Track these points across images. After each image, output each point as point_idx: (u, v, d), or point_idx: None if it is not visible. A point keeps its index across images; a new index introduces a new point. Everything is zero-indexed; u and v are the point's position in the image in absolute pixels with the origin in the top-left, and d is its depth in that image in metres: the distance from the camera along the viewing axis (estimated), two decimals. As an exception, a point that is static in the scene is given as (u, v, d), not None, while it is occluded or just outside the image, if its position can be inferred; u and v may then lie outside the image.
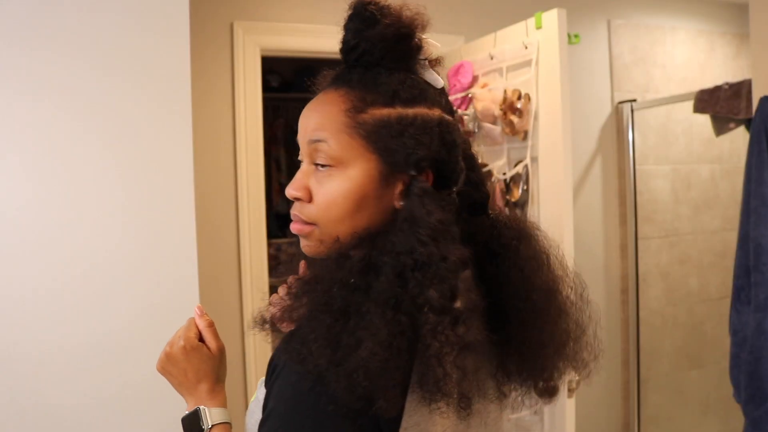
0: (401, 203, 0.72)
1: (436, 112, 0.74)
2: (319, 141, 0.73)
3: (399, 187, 0.73)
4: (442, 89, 0.78)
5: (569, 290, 0.79)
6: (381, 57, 0.73)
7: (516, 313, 0.74)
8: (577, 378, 0.80)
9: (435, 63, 0.78)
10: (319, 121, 0.73)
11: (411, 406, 0.66)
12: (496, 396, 0.76)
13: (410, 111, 0.72)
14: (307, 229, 0.75)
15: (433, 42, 0.76)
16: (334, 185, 0.72)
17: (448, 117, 0.75)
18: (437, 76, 0.77)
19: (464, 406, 0.66)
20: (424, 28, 0.74)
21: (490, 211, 0.80)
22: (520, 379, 0.78)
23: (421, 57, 0.76)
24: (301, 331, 0.67)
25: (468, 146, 0.80)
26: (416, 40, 0.75)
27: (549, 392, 0.80)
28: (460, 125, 0.80)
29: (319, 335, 0.64)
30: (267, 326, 0.73)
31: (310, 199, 0.74)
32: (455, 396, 0.64)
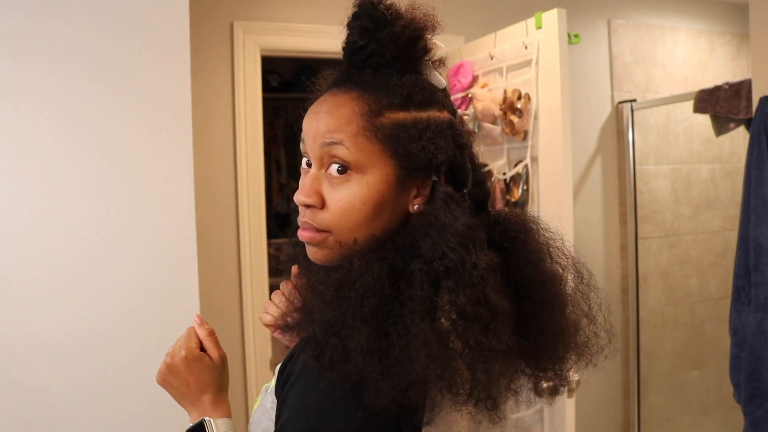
0: (417, 208, 0.72)
1: (446, 115, 0.74)
2: (334, 144, 0.69)
3: (414, 192, 0.72)
4: (445, 90, 0.78)
5: (576, 278, 0.79)
6: (392, 58, 0.72)
7: (530, 304, 0.74)
8: (577, 378, 0.80)
9: (438, 64, 0.77)
10: (334, 124, 0.70)
11: (438, 409, 0.66)
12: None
13: (424, 114, 0.71)
14: (319, 236, 0.71)
15: (439, 43, 0.76)
16: (352, 190, 0.69)
17: (454, 119, 0.75)
18: (440, 77, 0.77)
19: (491, 407, 0.66)
20: (434, 29, 0.74)
21: (490, 209, 0.80)
22: (532, 372, 0.77)
23: (426, 58, 0.75)
24: (331, 339, 0.64)
25: (471, 145, 0.80)
26: (425, 41, 0.74)
27: (552, 390, 0.81)
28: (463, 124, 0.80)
29: (359, 345, 0.62)
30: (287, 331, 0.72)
31: (322, 206, 0.71)
32: (484, 400, 0.65)
